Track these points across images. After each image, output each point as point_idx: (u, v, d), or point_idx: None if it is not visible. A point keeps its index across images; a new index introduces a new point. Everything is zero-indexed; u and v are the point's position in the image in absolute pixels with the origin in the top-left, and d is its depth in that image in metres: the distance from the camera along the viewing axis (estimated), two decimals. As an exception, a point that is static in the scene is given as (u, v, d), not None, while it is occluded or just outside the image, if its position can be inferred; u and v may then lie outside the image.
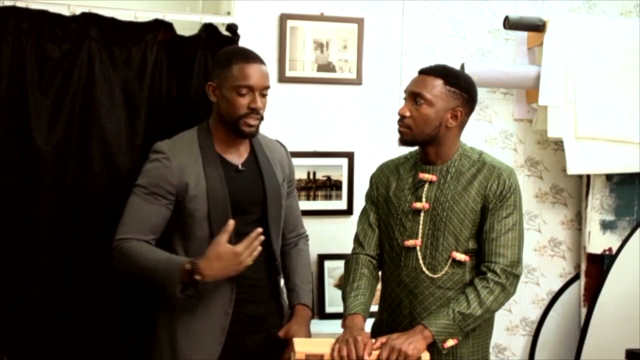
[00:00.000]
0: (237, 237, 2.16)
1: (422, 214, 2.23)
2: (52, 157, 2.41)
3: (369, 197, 2.39)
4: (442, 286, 2.21)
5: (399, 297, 2.26)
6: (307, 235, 2.57)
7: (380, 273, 2.37)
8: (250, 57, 2.24)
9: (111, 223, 2.47)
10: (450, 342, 2.12)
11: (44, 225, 2.41)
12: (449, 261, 2.20)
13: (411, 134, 2.21)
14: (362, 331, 2.12)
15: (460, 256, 2.19)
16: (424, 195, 2.24)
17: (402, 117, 2.21)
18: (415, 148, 2.33)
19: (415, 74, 2.26)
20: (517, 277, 2.19)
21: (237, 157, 2.31)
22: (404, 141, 2.24)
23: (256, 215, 2.29)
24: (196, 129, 2.31)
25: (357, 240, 2.37)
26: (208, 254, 2.06)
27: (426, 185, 2.24)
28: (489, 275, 2.15)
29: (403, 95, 2.26)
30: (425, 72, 2.21)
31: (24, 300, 2.41)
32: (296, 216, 2.52)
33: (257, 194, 2.29)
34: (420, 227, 2.22)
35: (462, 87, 2.20)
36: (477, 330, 2.23)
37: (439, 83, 2.18)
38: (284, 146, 2.48)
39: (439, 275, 2.21)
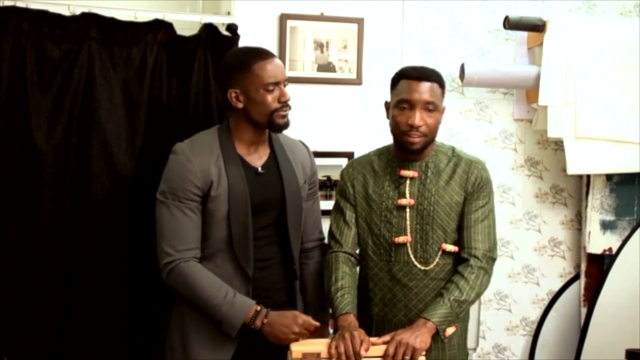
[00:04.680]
0: (255, 239, 2.21)
1: (407, 210, 2.29)
2: (52, 157, 2.41)
3: (342, 195, 2.39)
4: (435, 277, 2.29)
5: (392, 291, 2.30)
6: (324, 244, 2.47)
7: (357, 269, 2.39)
8: (266, 54, 2.24)
9: (111, 223, 2.48)
10: (450, 330, 2.21)
11: (44, 225, 2.42)
12: (439, 253, 2.29)
13: (424, 142, 2.25)
14: (358, 328, 2.14)
15: (450, 247, 2.29)
16: (407, 192, 2.29)
17: (416, 127, 2.21)
18: (386, 144, 2.39)
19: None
20: (494, 260, 2.31)
21: (258, 158, 2.29)
22: (416, 150, 2.26)
23: (275, 217, 2.29)
24: (216, 128, 2.29)
25: (332, 237, 2.38)
26: (281, 312, 2.20)
27: (407, 182, 2.30)
28: (472, 261, 2.25)
29: (400, 103, 2.23)
30: (425, 79, 2.23)
31: (24, 300, 2.41)
32: (315, 220, 2.47)
33: (276, 197, 2.28)
34: (408, 222, 2.29)
35: (445, 85, 2.30)
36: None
37: (437, 87, 2.25)
38: (306, 147, 2.46)
39: (431, 267, 2.29)
